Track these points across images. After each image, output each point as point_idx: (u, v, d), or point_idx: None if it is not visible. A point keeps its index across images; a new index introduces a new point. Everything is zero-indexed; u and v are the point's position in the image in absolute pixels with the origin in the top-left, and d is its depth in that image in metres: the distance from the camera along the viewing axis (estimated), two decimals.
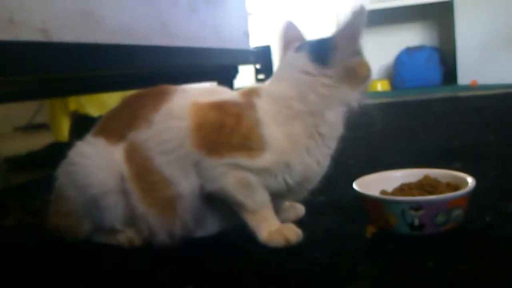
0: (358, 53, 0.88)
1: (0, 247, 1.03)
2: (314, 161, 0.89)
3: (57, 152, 0.97)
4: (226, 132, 0.85)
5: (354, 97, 0.89)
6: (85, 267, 0.89)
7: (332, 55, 0.87)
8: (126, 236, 0.94)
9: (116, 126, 0.95)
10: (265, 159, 0.85)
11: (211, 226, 0.94)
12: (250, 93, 0.91)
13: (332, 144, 0.91)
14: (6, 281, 0.85)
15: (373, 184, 0.94)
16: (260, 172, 0.86)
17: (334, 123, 0.89)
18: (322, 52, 0.87)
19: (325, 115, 0.88)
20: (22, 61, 1.04)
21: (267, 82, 0.93)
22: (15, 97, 1.52)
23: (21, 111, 3.43)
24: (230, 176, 0.86)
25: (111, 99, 2.06)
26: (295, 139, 0.87)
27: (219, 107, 0.88)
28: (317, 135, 0.89)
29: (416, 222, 0.83)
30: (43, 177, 1.00)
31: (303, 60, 0.88)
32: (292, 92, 0.88)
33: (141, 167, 0.90)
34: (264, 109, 0.88)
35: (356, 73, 0.88)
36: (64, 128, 2.24)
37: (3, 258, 0.97)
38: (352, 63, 0.88)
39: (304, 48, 0.90)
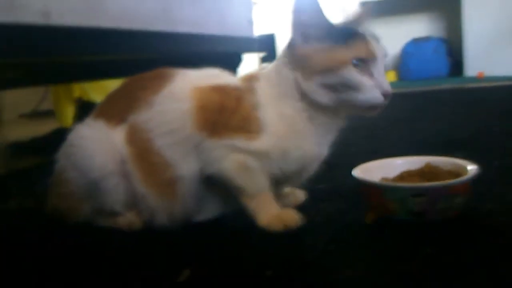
0: (324, 39, 0.83)
1: (2, 229, 1.04)
2: (310, 147, 0.88)
3: (60, 138, 0.97)
4: (226, 113, 0.86)
5: (309, 88, 0.85)
6: (84, 250, 0.89)
7: (291, 43, 0.87)
8: (126, 219, 0.94)
9: (116, 109, 0.95)
10: (262, 142, 0.85)
11: (211, 210, 0.94)
12: (250, 78, 0.91)
13: (324, 137, 0.90)
14: (6, 262, 0.86)
15: (374, 171, 0.94)
16: (257, 155, 0.86)
17: (314, 111, 0.87)
18: (291, 39, 0.87)
19: (312, 101, 0.86)
20: (22, 44, 1.03)
21: (269, 66, 0.93)
22: (18, 82, 1.52)
23: (26, 99, 3.44)
24: (229, 159, 0.86)
25: (115, 86, 2.06)
26: (289, 122, 0.86)
27: (221, 90, 0.88)
28: (308, 121, 0.87)
29: (417, 209, 0.82)
30: (46, 162, 1.00)
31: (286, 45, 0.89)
32: (284, 71, 0.88)
33: (141, 149, 0.90)
34: (263, 92, 0.88)
35: (308, 61, 0.84)
36: (68, 114, 2.24)
37: (4, 240, 0.97)
38: (305, 50, 0.85)
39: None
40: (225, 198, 0.93)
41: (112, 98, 0.99)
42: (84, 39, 1.24)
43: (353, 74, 0.82)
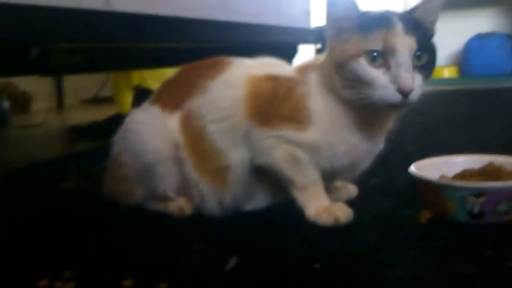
0: (353, 31, 0.78)
1: (60, 209, 1.08)
2: (358, 142, 0.85)
3: (118, 123, 1.00)
4: (277, 102, 0.85)
5: (335, 82, 0.81)
6: (133, 233, 0.91)
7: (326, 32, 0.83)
8: (177, 205, 0.95)
9: (172, 95, 0.96)
10: (310, 134, 0.83)
11: (260, 199, 0.94)
12: (305, 68, 0.89)
13: (375, 131, 0.86)
14: (59, 241, 0.89)
15: (432, 168, 0.90)
16: (306, 147, 0.84)
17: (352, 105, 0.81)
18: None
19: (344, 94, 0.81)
20: (84, 29, 1.06)
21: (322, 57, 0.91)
22: (80, 68, 1.57)
23: (88, 85, 3.57)
24: (279, 150, 0.85)
25: (172, 74, 2.10)
26: (335, 115, 0.83)
27: (274, 79, 0.88)
28: (353, 115, 0.83)
29: (476, 209, 0.79)
30: (104, 146, 1.02)
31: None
32: (323, 72, 0.86)
33: (194, 135, 0.91)
34: (314, 83, 0.86)
35: (331, 54, 0.82)
36: (127, 101, 2.30)
37: (60, 220, 1.00)
38: (333, 43, 0.82)
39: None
40: (274, 189, 0.92)
41: (169, 84, 1.01)
42: (144, 26, 1.26)
43: (363, 68, 0.76)
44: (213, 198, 0.92)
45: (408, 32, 0.76)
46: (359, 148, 0.86)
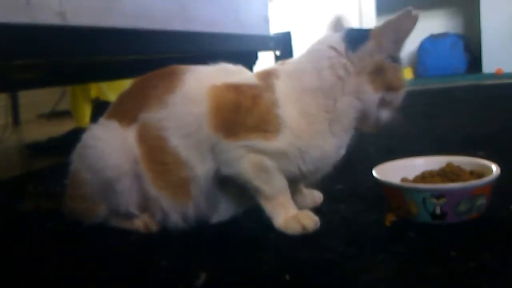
0: (396, 59, 0.86)
1: (19, 230, 1.04)
2: (328, 146, 0.87)
3: (77, 138, 0.97)
4: (242, 113, 0.84)
5: (370, 96, 0.85)
6: (99, 252, 0.89)
7: (363, 44, 0.84)
8: (142, 221, 0.94)
9: (128, 108, 0.94)
10: (280, 141, 0.84)
11: (225, 209, 0.93)
12: (268, 74, 0.89)
13: (342, 137, 0.88)
14: (22, 262, 0.86)
15: (393, 171, 0.92)
16: (275, 155, 0.84)
17: (343, 113, 0.86)
18: (355, 37, 0.86)
19: (337, 101, 0.85)
20: (38, 44, 1.03)
21: (288, 61, 0.92)
22: (35, 83, 1.53)
23: (45, 99, 3.48)
24: (246, 159, 0.85)
25: None
26: (309, 120, 0.85)
27: (236, 88, 0.87)
28: (329, 120, 0.86)
29: (438, 210, 0.81)
30: (63, 162, 1.00)
31: (335, 38, 0.87)
32: (309, 65, 0.87)
33: (153, 147, 0.89)
34: (282, 89, 0.86)
35: (384, 74, 0.85)
36: (85, 114, 2.26)
37: (22, 241, 0.97)
38: (382, 62, 0.85)
39: (342, 31, 0.89)
40: (239, 198, 0.92)
41: (124, 97, 0.99)
42: (100, 39, 1.23)
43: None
44: (175, 212, 0.90)
45: None
46: (329, 153, 0.87)
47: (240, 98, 0.85)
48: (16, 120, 3.55)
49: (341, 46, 0.85)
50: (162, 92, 0.90)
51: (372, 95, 0.85)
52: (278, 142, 0.84)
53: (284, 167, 0.86)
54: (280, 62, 0.94)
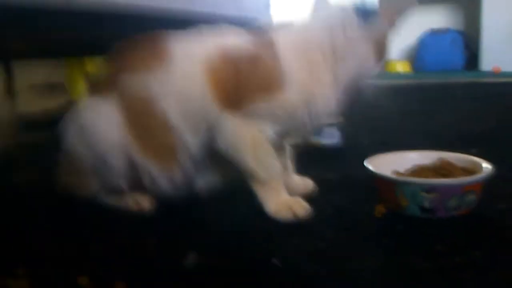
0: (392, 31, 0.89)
1: (10, 204, 1.04)
2: (332, 97, 0.88)
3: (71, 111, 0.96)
4: (243, 81, 0.84)
5: (370, 64, 0.88)
6: (89, 228, 0.89)
7: (374, 17, 0.87)
8: (135, 200, 0.94)
9: (112, 76, 0.93)
10: (285, 93, 0.84)
11: (211, 176, 0.93)
12: (264, 31, 0.89)
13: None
14: (13, 237, 0.86)
15: (386, 164, 0.92)
16: (281, 108, 0.85)
17: (344, 72, 0.87)
18: (366, 11, 0.87)
19: (342, 60, 0.87)
20: (37, 18, 1.02)
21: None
22: (33, 54, 1.51)
23: (39, 70, 3.44)
24: (246, 134, 0.85)
25: None
26: (314, 72, 0.86)
27: (232, 58, 0.86)
28: (333, 74, 0.87)
29: (427, 204, 0.81)
30: (56, 135, 0.99)
31: (347, 11, 0.88)
32: (320, 22, 0.88)
33: (138, 111, 0.88)
34: (283, 42, 0.86)
35: (383, 48, 0.88)
36: (80, 88, 2.24)
37: (12, 214, 0.97)
38: (384, 37, 0.88)
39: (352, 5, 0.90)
40: (227, 168, 0.91)
41: (108, 68, 0.97)
42: (101, 17, 1.22)
43: None
44: (162, 176, 0.90)
45: None
46: (332, 103, 0.88)
47: (238, 66, 0.85)
48: (9, 90, 3.52)
49: (353, 16, 0.87)
50: (149, 56, 0.89)
51: (371, 63, 0.88)
52: (283, 95, 0.84)
53: (290, 120, 0.86)
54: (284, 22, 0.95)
